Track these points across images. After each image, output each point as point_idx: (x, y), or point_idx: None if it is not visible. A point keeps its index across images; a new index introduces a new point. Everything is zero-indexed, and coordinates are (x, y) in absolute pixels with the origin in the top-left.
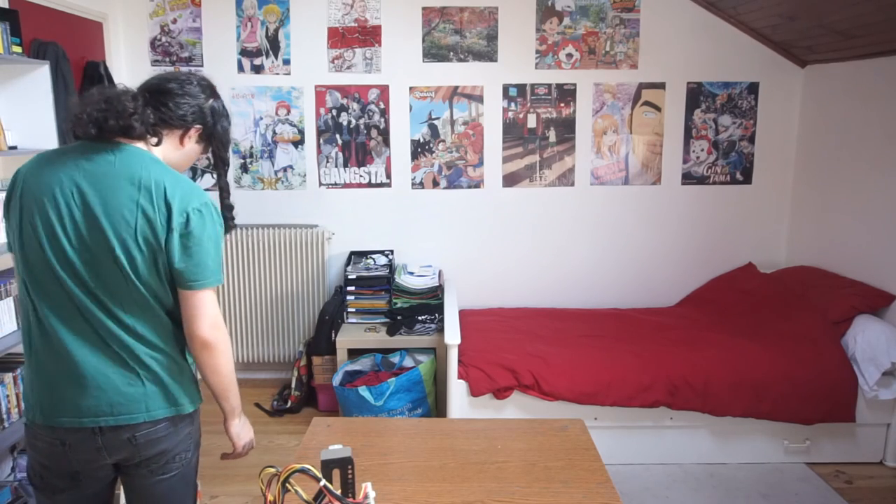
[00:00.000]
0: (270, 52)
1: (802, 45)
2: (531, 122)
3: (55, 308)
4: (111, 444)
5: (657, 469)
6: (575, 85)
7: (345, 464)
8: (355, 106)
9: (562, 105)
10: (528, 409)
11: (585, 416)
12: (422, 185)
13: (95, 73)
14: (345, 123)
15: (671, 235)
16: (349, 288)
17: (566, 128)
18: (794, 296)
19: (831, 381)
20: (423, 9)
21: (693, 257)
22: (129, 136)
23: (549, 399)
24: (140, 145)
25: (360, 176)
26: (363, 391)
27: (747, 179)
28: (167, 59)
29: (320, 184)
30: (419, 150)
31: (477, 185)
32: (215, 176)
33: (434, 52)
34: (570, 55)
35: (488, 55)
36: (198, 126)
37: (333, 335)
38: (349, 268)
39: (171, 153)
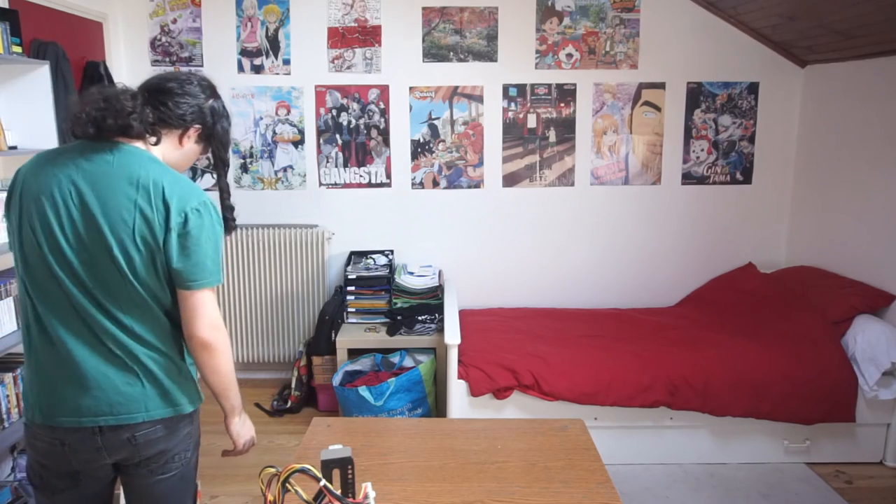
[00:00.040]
0: (270, 52)
1: (802, 45)
2: (531, 122)
3: (54, 308)
4: (111, 443)
5: (657, 469)
6: (575, 85)
7: (345, 464)
8: (355, 106)
9: (562, 105)
10: (528, 409)
11: (585, 416)
12: (422, 185)
13: (95, 73)
14: (345, 123)
15: (671, 235)
16: (349, 288)
17: (566, 128)
18: (794, 296)
19: (831, 381)
20: (423, 9)
21: (693, 257)
22: (127, 135)
23: (549, 399)
24: (139, 145)
25: (360, 176)
26: (363, 391)
27: (747, 179)
28: (167, 59)
29: (320, 184)
30: (419, 150)
31: (477, 185)
32: (215, 176)
33: (434, 52)
34: (570, 55)
35: (488, 55)
36: (197, 126)
37: (333, 335)
38: (349, 268)
39: (170, 153)
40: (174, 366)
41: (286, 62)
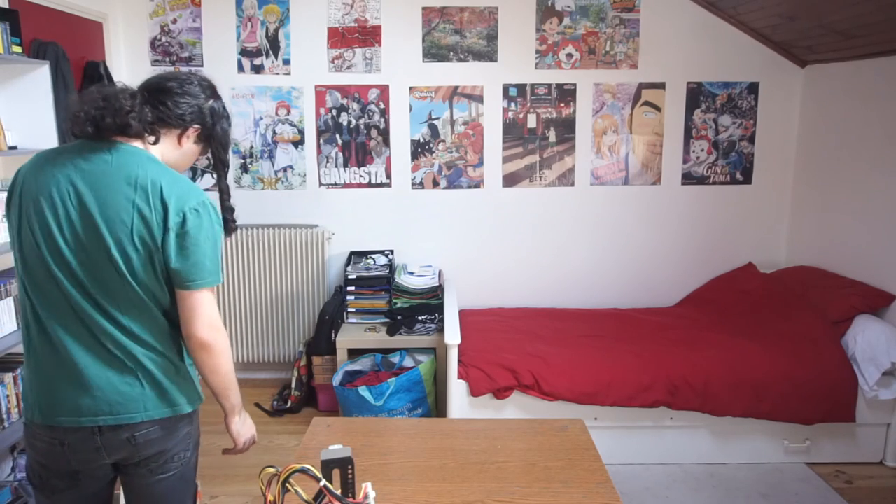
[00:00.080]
0: (270, 52)
1: (802, 45)
2: (531, 122)
3: (52, 308)
4: (110, 443)
5: (657, 469)
6: (575, 85)
7: (345, 464)
8: (355, 106)
9: (562, 105)
10: (528, 409)
11: (585, 416)
12: (422, 185)
13: (95, 73)
14: (345, 123)
15: (671, 235)
16: (349, 288)
17: (566, 128)
18: (794, 296)
19: (831, 381)
20: (423, 9)
21: (693, 257)
22: (126, 134)
23: (549, 399)
24: (137, 144)
25: (360, 176)
26: (363, 391)
27: (747, 179)
28: (167, 59)
29: (320, 184)
30: (419, 150)
31: (477, 185)
32: (215, 177)
33: (434, 52)
34: (570, 55)
35: (488, 55)
36: (196, 126)
37: (333, 335)
38: (349, 268)
39: (169, 152)
40: (172, 366)
41: (286, 62)
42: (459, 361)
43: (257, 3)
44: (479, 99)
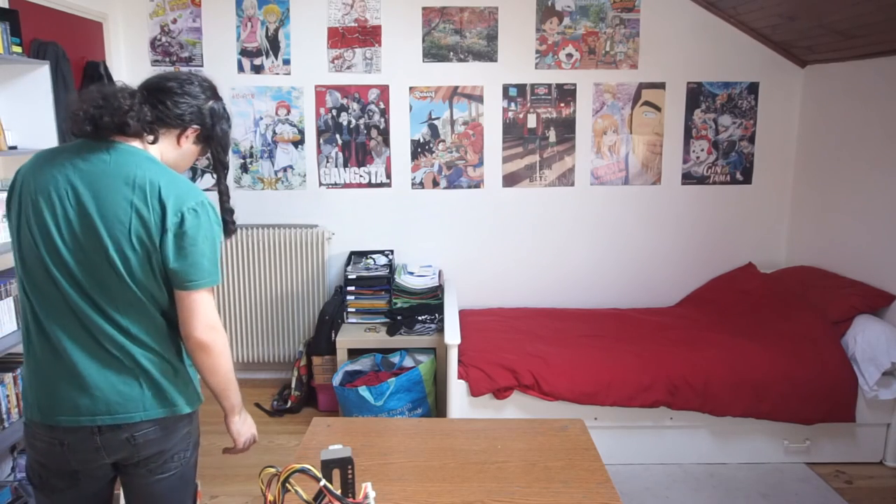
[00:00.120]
0: (270, 52)
1: (802, 45)
2: (531, 122)
3: (51, 308)
4: (110, 443)
5: (657, 469)
6: (575, 85)
7: (345, 464)
8: (355, 106)
9: (562, 105)
10: (528, 409)
11: (585, 416)
12: (422, 185)
13: (95, 73)
14: (345, 123)
15: (671, 235)
16: (349, 288)
17: (566, 128)
18: (794, 296)
19: (831, 381)
20: (423, 9)
21: (693, 257)
22: (124, 133)
23: (549, 399)
24: (136, 144)
25: (360, 176)
26: (363, 391)
27: (747, 179)
28: (167, 59)
29: (320, 184)
30: (419, 150)
31: (477, 185)
32: (215, 178)
33: (434, 52)
34: (570, 55)
35: (488, 55)
36: (195, 126)
37: (333, 335)
38: (349, 268)
39: (168, 152)
40: (170, 367)
41: (286, 62)
42: (459, 361)
43: (257, 3)
44: (479, 99)
